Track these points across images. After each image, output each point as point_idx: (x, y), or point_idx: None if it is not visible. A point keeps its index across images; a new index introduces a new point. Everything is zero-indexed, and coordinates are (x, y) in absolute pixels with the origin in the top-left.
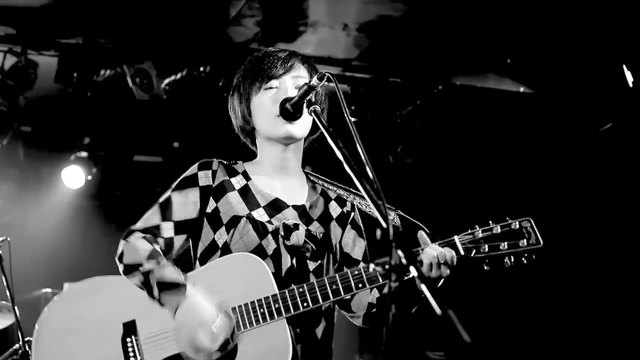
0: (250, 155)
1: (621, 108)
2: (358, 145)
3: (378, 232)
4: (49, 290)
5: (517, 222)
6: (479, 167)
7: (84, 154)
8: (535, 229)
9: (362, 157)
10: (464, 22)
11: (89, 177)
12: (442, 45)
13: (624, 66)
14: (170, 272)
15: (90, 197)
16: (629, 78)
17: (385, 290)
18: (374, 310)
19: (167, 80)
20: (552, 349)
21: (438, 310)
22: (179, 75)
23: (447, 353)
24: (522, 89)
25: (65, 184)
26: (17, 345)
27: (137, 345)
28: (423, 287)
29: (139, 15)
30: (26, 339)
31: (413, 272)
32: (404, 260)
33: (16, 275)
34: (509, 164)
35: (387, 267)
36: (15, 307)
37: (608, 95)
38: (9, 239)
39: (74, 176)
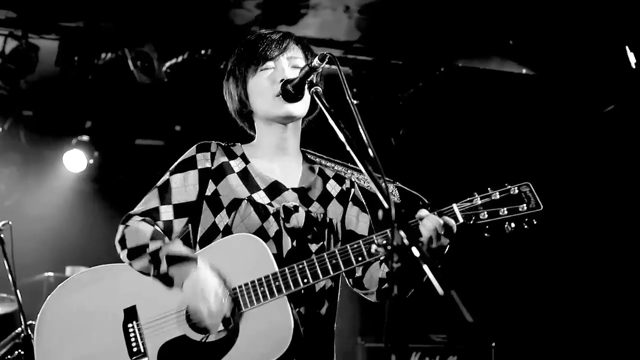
0: (248, 138)
1: (624, 90)
2: (360, 127)
3: (380, 213)
4: (51, 274)
5: (516, 187)
6: (481, 149)
7: (85, 137)
8: (535, 193)
9: (364, 139)
10: (466, 4)
11: (91, 161)
12: (444, 27)
13: (627, 47)
14: (181, 247)
15: (92, 181)
16: (632, 59)
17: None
18: (385, 285)
19: (168, 64)
20: (553, 329)
21: (440, 291)
22: (180, 58)
23: (449, 335)
24: (524, 71)
25: (67, 168)
26: (19, 329)
27: (139, 330)
28: (425, 267)
29: None
30: (28, 323)
31: (415, 252)
32: (405, 241)
33: (18, 259)
34: (512, 147)
35: (389, 248)
36: (18, 291)
37: (611, 77)
38: (10, 222)
39: (75, 160)
